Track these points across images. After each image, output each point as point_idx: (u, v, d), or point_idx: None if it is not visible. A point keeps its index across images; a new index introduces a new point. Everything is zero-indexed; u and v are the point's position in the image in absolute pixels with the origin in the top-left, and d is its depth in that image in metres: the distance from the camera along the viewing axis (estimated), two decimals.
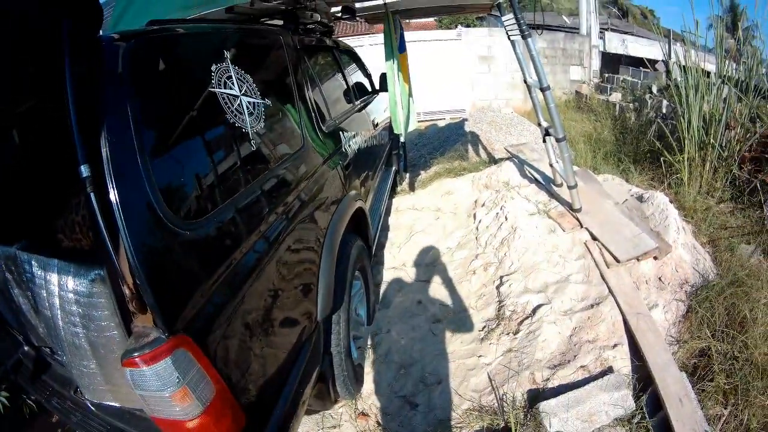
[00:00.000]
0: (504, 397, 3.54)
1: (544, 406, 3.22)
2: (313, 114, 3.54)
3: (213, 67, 2.31)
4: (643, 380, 3.56)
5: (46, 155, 2.00)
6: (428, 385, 3.78)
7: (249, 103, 2.53)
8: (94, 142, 1.59)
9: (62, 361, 2.46)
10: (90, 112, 1.59)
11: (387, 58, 5.52)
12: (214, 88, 2.26)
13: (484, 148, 9.63)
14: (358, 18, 5.94)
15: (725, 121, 6.16)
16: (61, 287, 1.93)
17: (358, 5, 5.27)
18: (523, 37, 4.36)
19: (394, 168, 7.12)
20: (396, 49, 5.49)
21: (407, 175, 7.88)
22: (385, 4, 5.23)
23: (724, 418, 3.31)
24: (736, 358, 3.58)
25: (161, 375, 1.67)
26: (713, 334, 3.82)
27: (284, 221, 2.62)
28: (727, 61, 6.58)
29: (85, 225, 1.70)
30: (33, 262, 2.04)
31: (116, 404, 2.28)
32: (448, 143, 10.28)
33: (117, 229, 1.58)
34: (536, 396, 3.50)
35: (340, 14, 5.53)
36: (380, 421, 3.63)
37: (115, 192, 1.59)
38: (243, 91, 2.50)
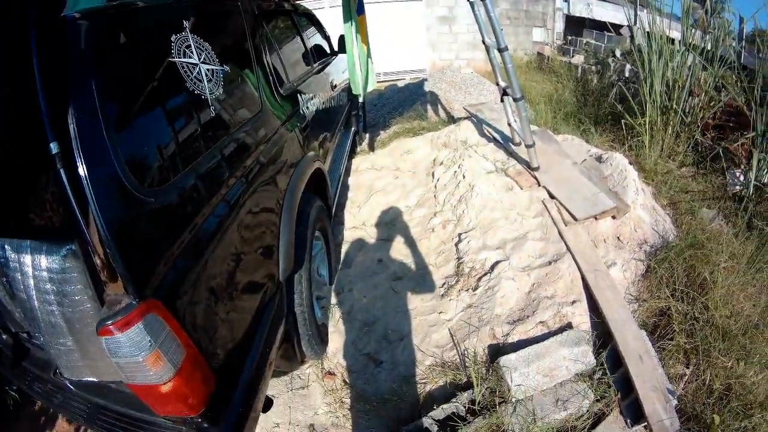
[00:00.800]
0: (465, 352, 3.63)
1: (505, 360, 3.32)
2: (270, 78, 3.58)
3: (173, 38, 2.33)
4: (603, 337, 3.69)
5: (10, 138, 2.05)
6: (391, 342, 3.86)
7: (208, 70, 2.57)
8: (62, 120, 1.63)
9: (40, 343, 2.48)
10: (57, 91, 1.63)
11: (345, 20, 5.59)
12: (174, 57, 2.29)
13: (444, 108, 9.64)
14: None
15: (689, 88, 6.29)
16: (35, 267, 1.93)
17: None
18: None
19: (353, 129, 7.15)
20: (354, 11, 5.54)
21: (367, 135, 7.90)
22: None
23: (686, 378, 3.46)
24: (696, 319, 3.72)
25: (134, 340, 1.73)
26: (672, 294, 3.95)
27: (244, 185, 2.69)
28: (693, 30, 6.71)
29: (55, 202, 1.74)
30: (6, 246, 2.04)
31: (95, 379, 2.30)
32: (407, 103, 10.24)
33: (87, 203, 1.63)
34: (497, 351, 3.60)
35: None
36: (347, 379, 3.71)
37: (84, 167, 1.63)
38: (202, 59, 2.53)
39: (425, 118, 8.75)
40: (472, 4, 4.63)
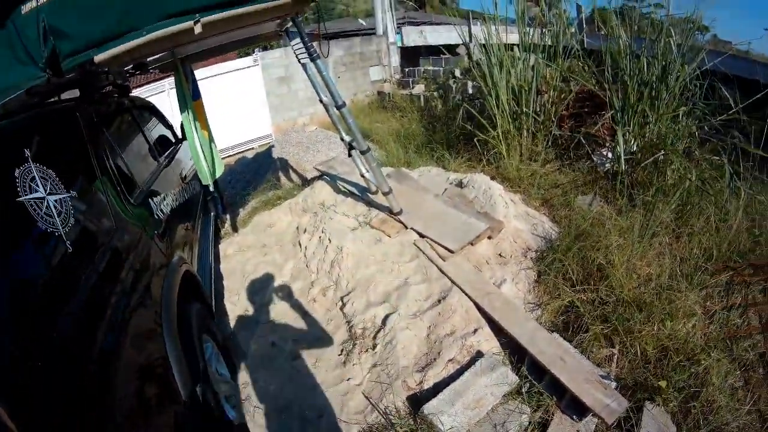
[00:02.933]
0: (387, 410, 3.67)
1: (428, 408, 3.38)
2: (119, 189, 3.48)
3: (17, 173, 2.21)
4: (516, 352, 3.86)
5: None
6: (311, 421, 3.84)
7: (56, 201, 2.43)
8: None
9: None
10: None
11: (182, 110, 5.55)
12: (21, 196, 2.17)
13: (295, 171, 9.82)
14: (150, 70, 5.95)
15: (536, 88, 6.68)
16: None
17: (149, 59, 5.28)
18: (312, 60, 4.51)
19: (212, 213, 7.08)
20: (189, 98, 5.49)
21: (227, 216, 7.85)
22: (172, 52, 5.23)
23: (616, 356, 3.70)
24: (605, 303, 3.99)
25: None
26: (573, 289, 4.21)
27: (120, 315, 2.59)
28: (532, 30, 7.10)
29: None
30: None
31: None
32: (259, 174, 10.30)
33: None
34: (416, 401, 3.66)
35: (132, 70, 5.48)
36: None
37: None
38: (48, 190, 2.40)
39: (279, 186, 8.85)
40: (304, 66, 4.78)
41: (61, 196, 2.52)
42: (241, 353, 4.64)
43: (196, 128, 5.59)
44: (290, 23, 4.63)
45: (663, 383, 3.31)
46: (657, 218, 4.67)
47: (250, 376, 4.36)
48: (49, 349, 1.97)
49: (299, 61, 4.72)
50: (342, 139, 5.56)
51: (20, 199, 2.17)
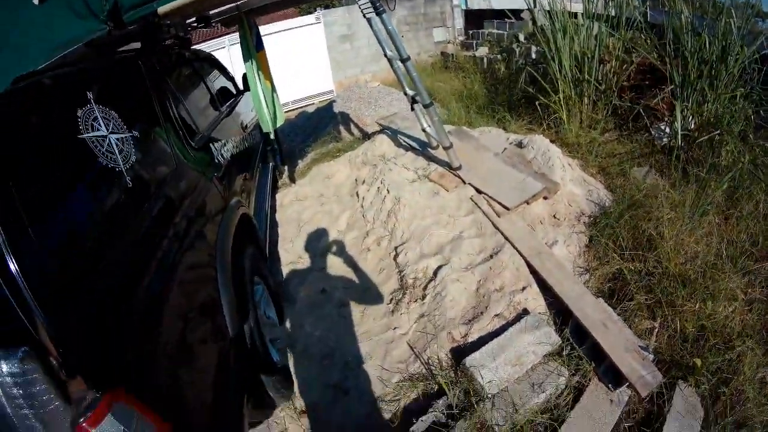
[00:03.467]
0: (429, 360, 3.69)
1: (471, 360, 3.39)
2: (180, 133, 3.58)
3: (79, 113, 2.30)
4: (561, 314, 3.84)
5: None
6: (353, 368, 3.89)
7: (118, 140, 2.54)
8: None
9: None
10: None
11: (245, 60, 5.56)
12: (83, 134, 2.27)
13: (356, 126, 9.79)
14: (213, 24, 5.97)
15: (598, 57, 6.55)
16: None
17: (210, 12, 5.30)
18: (378, 14, 4.51)
19: (271, 164, 7.15)
20: (253, 48, 5.51)
21: (285, 167, 7.92)
22: (237, 6, 5.25)
23: (656, 330, 3.65)
24: (651, 274, 3.93)
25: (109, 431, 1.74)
26: (621, 256, 4.15)
27: (175, 250, 2.69)
28: (595, 0, 6.93)
29: None
30: None
31: None
32: (320, 128, 10.34)
33: (27, 303, 1.64)
34: (460, 353, 3.66)
35: (195, 23, 5.53)
36: (321, 415, 3.69)
37: (15, 266, 1.63)
38: (110, 129, 2.50)
39: (340, 139, 8.88)
40: (369, 21, 4.75)
41: (122, 135, 2.61)
42: (290, 299, 4.72)
43: (259, 77, 5.59)
44: None
45: (698, 361, 3.24)
46: (709, 197, 4.58)
47: (298, 321, 4.44)
48: (107, 278, 2.08)
49: (364, 16, 4.69)
50: (405, 94, 5.48)
51: (82, 136, 2.26)
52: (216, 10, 5.30)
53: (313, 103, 15.31)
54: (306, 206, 6.29)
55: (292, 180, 7.35)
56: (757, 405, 3.17)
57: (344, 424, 3.58)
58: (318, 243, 5.53)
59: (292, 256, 5.44)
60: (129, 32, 3.60)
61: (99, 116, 2.45)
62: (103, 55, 3.45)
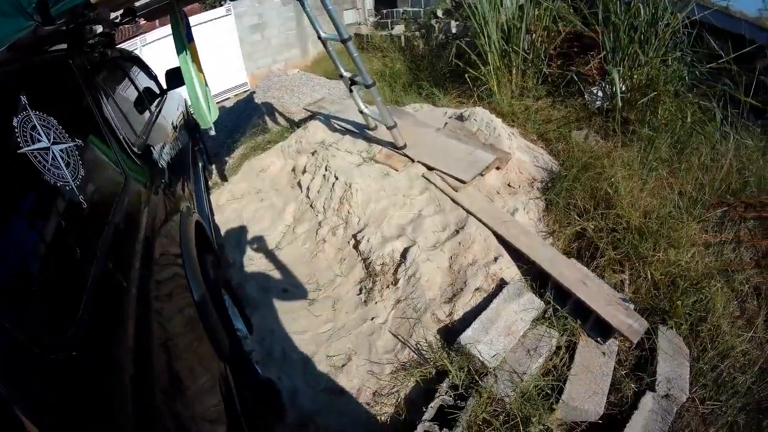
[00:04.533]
0: (419, 346, 3.62)
1: (464, 338, 3.37)
2: (122, 140, 3.12)
3: (15, 121, 1.86)
4: (538, 278, 3.90)
5: None
6: (340, 367, 3.72)
7: (62, 151, 2.10)
8: None
9: None
10: None
11: (179, 52, 5.26)
12: (23, 147, 1.84)
13: (282, 115, 9.52)
14: (136, 19, 5.58)
15: (525, 28, 6.61)
16: None
17: (137, 4, 4.90)
18: None
19: (200, 164, 6.76)
20: (185, 39, 5.26)
21: (213, 166, 7.68)
22: None
23: (627, 282, 3.84)
24: (614, 230, 4.07)
25: None
26: (581, 217, 4.27)
27: (145, 280, 2.20)
28: None
29: None
30: None
31: None
32: (242, 121, 10.12)
33: None
34: (448, 332, 3.65)
35: (119, 19, 5.12)
36: (319, 423, 3.48)
37: None
38: (52, 139, 2.06)
39: (267, 130, 8.62)
40: (302, 2, 4.52)
41: (66, 145, 2.18)
42: (253, 304, 4.46)
43: (193, 70, 5.25)
44: None
45: (679, 304, 3.50)
46: (656, 153, 4.85)
47: (267, 327, 4.20)
48: (70, 324, 1.63)
49: None
50: (341, 76, 5.38)
51: (22, 150, 1.84)
52: (142, 1, 4.91)
53: (229, 98, 15.11)
54: (244, 204, 6.06)
55: (224, 178, 7.12)
56: (734, 336, 3.53)
57: (345, 426, 3.41)
58: (267, 241, 5.32)
59: (241, 258, 5.21)
60: (56, 29, 3.20)
61: (38, 124, 2.02)
62: (32, 54, 2.94)
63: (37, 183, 1.85)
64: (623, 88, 5.75)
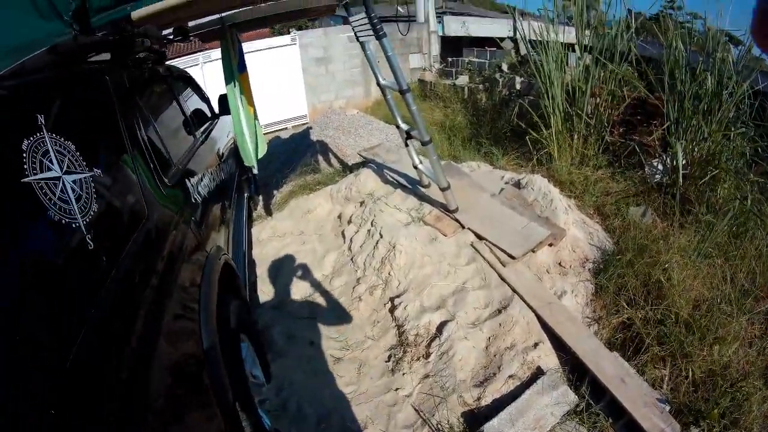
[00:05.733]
0: (439, 426, 3.41)
1: (489, 427, 3.17)
2: (152, 168, 2.86)
3: (24, 145, 1.60)
4: (576, 369, 3.64)
5: None
6: None
7: (74, 182, 1.81)
8: None
9: None
10: None
11: (227, 82, 5.05)
12: (29, 176, 1.57)
13: (336, 156, 9.41)
14: (191, 38, 5.40)
15: (590, 90, 6.40)
16: None
17: (191, 24, 4.81)
18: (378, 38, 4.18)
19: (246, 194, 6.70)
20: (236, 69, 5.04)
21: (260, 197, 7.61)
22: (221, 18, 4.82)
23: (666, 378, 3.57)
24: (662, 322, 3.81)
25: None
26: (629, 304, 4.02)
27: (152, 339, 1.95)
28: (587, 32, 6.80)
29: None
30: None
31: None
32: (296, 156, 10.03)
33: None
34: (473, 418, 3.44)
35: (171, 36, 4.91)
36: None
37: None
38: (65, 168, 1.78)
39: (319, 170, 8.51)
40: (363, 45, 4.35)
41: (81, 176, 1.90)
42: (276, 350, 4.30)
43: (242, 103, 5.05)
44: None
45: (715, 414, 3.22)
46: (713, 239, 4.56)
47: (287, 378, 4.02)
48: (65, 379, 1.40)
49: (358, 39, 4.46)
50: (398, 127, 5.25)
51: (27, 179, 1.56)
52: (197, 21, 4.86)
53: (287, 128, 15.20)
54: (286, 244, 5.91)
55: (268, 212, 6.98)
56: None
57: None
58: (302, 287, 5.15)
59: (273, 300, 5.06)
60: (97, 39, 2.97)
61: (51, 150, 1.75)
62: (63, 66, 2.71)
63: (38, 219, 1.60)
64: (684, 163, 5.50)
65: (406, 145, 5.23)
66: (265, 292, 5.15)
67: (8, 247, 1.46)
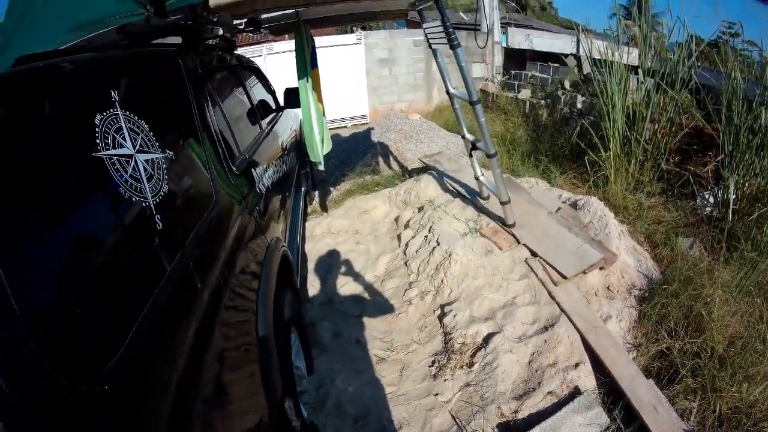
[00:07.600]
0: None
1: None
2: (222, 156, 2.94)
3: (97, 120, 1.62)
4: (612, 392, 3.66)
5: None
6: None
7: (146, 162, 1.86)
8: None
9: None
10: None
11: (300, 76, 5.01)
12: (100, 150, 1.59)
13: (396, 159, 9.45)
14: (262, 29, 5.41)
15: (650, 116, 6.32)
16: None
17: (264, 16, 4.85)
18: (453, 48, 4.15)
19: (303, 188, 6.75)
20: (309, 64, 5.04)
21: (317, 193, 7.69)
22: (297, 13, 4.84)
23: (695, 411, 3.53)
24: (698, 356, 3.78)
25: None
26: (669, 334, 4.00)
27: (213, 320, 2.01)
28: (650, 55, 6.73)
29: None
30: None
31: None
32: (355, 155, 10.09)
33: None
34: (508, 429, 3.47)
35: (243, 26, 4.90)
36: None
37: None
38: (138, 147, 1.83)
39: (378, 171, 8.58)
40: (434, 52, 4.30)
41: (153, 156, 1.96)
42: (321, 346, 4.34)
43: (312, 99, 5.05)
44: (426, 3, 4.16)
45: None
46: (754, 277, 4.43)
47: (329, 374, 4.05)
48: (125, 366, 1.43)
49: (430, 46, 4.49)
50: (463, 137, 5.31)
51: (98, 154, 1.59)
52: (271, 14, 4.89)
53: (347, 126, 15.32)
54: (340, 242, 6.00)
55: (324, 209, 7.10)
56: None
57: None
58: (352, 286, 5.23)
59: (322, 296, 5.13)
60: (170, 22, 2.99)
61: (125, 127, 1.79)
62: (137, 46, 2.74)
63: (110, 194, 1.63)
64: (734, 197, 5.37)
65: (470, 155, 5.24)
66: (315, 287, 5.21)
67: (77, 220, 1.49)
